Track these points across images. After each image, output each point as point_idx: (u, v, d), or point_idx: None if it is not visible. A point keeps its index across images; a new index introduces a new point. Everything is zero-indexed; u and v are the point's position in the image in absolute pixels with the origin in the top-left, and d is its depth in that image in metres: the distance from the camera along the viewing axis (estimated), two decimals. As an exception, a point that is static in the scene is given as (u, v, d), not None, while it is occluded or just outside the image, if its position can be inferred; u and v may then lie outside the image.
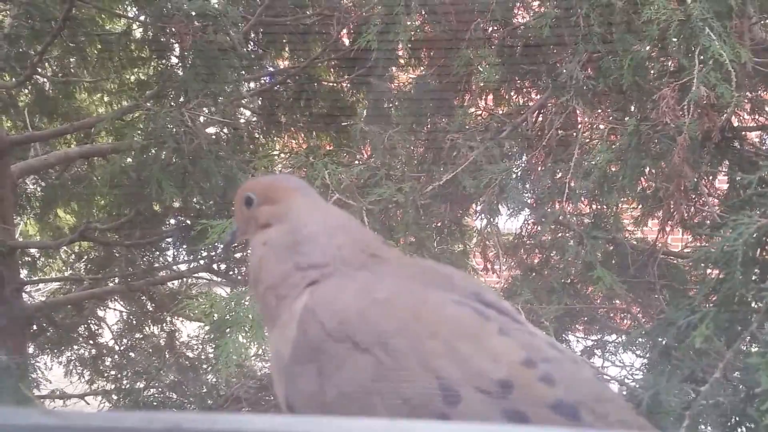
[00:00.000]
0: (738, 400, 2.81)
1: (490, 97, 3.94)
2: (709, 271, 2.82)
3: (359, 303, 1.10)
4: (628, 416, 1.06)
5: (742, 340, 2.78)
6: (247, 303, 3.07)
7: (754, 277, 2.75)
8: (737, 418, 2.90)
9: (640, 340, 3.40)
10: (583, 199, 3.58)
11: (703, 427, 2.92)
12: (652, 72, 3.29)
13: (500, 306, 1.14)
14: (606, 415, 1.02)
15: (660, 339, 3.17)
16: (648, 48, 3.13)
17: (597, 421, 1.01)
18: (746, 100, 3.51)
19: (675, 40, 3.02)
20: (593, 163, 3.35)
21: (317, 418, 0.86)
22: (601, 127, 3.61)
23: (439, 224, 3.79)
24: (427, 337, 1.04)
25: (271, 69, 4.61)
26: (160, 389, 4.32)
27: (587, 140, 3.66)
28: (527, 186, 3.77)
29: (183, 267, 4.94)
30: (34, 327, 4.93)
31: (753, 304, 2.76)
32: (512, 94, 3.97)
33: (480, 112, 3.87)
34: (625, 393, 3.37)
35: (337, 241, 1.20)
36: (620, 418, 1.04)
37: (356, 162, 3.66)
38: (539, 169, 3.66)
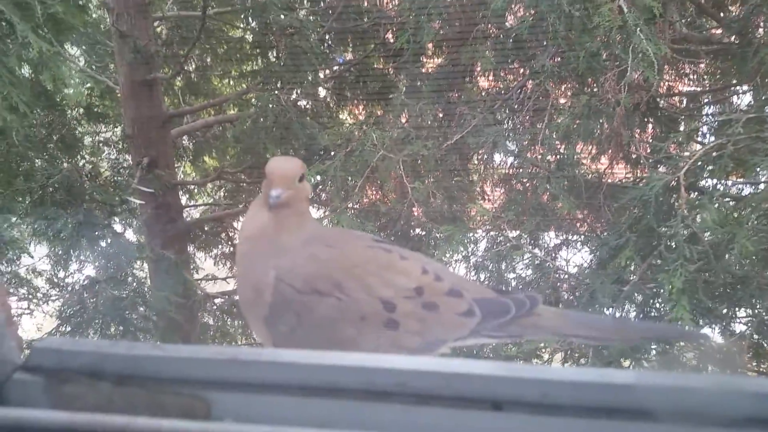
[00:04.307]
0: (650, 295, 3.53)
1: (490, 77, 4.42)
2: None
3: (313, 265, 1.26)
4: (486, 291, 1.35)
5: (653, 257, 3.34)
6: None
7: (662, 215, 3.25)
8: (647, 310, 3.58)
9: (594, 238, 4.09)
10: (551, 147, 4.02)
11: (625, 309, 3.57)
12: (599, 62, 3.72)
13: (389, 243, 1.35)
14: (472, 290, 1.31)
15: (600, 246, 3.80)
16: (597, 45, 3.57)
17: (469, 294, 1.29)
18: (663, 81, 4.26)
19: (617, 38, 3.44)
20: (558, 122, 3.96)
21: (230, 348, 0.79)
22: (563, 100, 4.23)
23: (451, 169, 4.41)
24: (364, 275, 1.23)
25: (339, 60, 5.05)
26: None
27: (555, 109, 4.14)
28: (512, 141, 4.31)
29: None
30: (192, 234, 5.62)
31: (661, 230, 3.28)
32: (503, 76, 4.46)
33: (481, 92, 4.46)
34: (572, 284, 4.17)
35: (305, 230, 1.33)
36: (481, 291, 1.34)
37: (397, 127, 4.18)
38: (521, 128, 4.25)
